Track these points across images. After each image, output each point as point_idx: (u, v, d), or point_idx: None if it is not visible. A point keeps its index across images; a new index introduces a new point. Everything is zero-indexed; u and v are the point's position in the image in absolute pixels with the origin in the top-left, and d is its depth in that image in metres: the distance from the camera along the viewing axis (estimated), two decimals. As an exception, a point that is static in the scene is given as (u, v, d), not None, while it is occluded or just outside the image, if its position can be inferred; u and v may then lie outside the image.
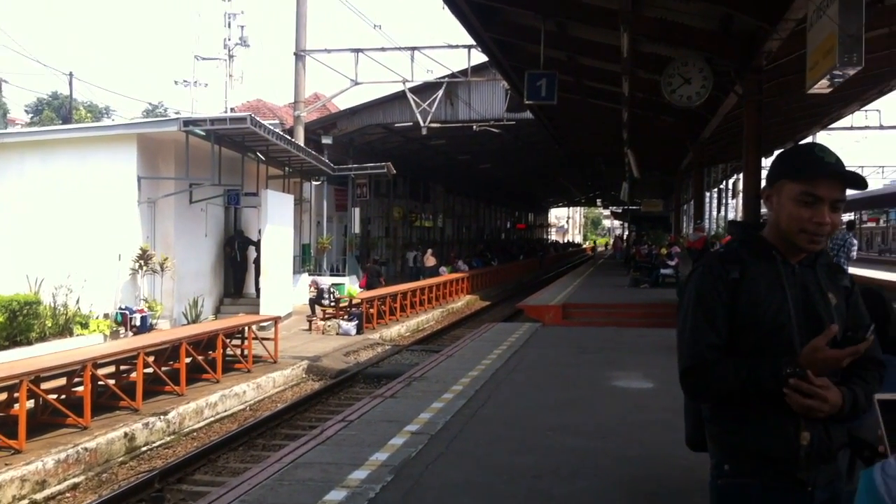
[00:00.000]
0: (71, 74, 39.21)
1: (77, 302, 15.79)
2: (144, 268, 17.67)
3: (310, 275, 24.87)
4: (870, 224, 74.96)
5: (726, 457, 2.40)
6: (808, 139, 25.49)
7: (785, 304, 2.38)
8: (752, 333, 2.38)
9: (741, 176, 22.29)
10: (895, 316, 3.44)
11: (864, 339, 2.31)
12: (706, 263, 2.50)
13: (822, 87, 8.11)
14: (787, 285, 2.40)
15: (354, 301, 20.57)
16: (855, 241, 13.75)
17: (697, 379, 2.39)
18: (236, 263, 21.37)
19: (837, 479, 2.40)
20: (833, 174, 2.34)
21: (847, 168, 2.38)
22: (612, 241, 71.96)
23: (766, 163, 15.51)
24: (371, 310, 20.98)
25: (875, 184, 60.95)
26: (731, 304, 2.39)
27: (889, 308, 3.47)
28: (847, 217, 79.67)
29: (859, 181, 2.38)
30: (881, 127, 33.47)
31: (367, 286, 25.13)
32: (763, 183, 2.67)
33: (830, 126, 24.14)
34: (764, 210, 2.73)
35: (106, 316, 16.44)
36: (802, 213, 2.35)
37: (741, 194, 31.92)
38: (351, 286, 23.29)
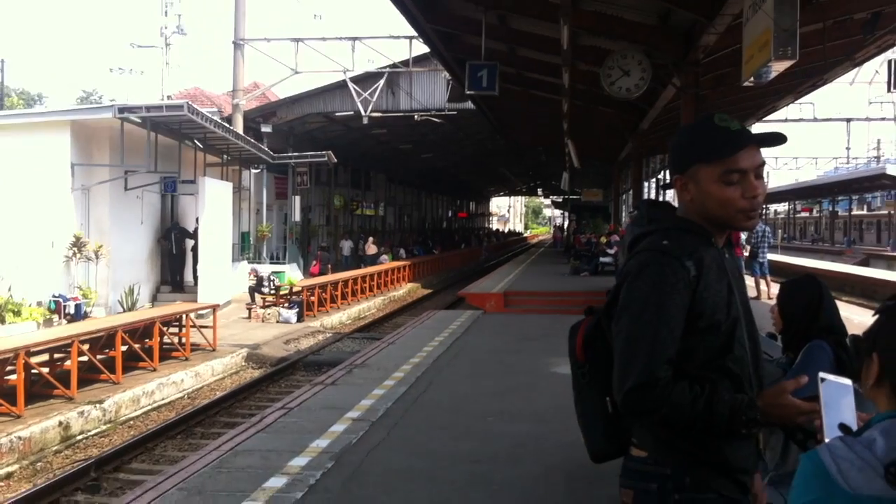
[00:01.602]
0: (2, 61, 38.20)
1: (9, 289, 15.39)
2: (78, 255, 17.30)
3: (249, 262, 24.63)
4: (803, 214, 76.96)
5: (684, 468, 2.14)
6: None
7: (732, 297, 2.19)
8: (708, 337, 2.14)
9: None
10: (827, 303, 3.52)
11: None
12: (660, 260, 2.14)
13: (756, 80, 8.32)
14: (730, 275, 2.22)
15: (295, 289, 20.45)
16: (770, 231, 14.10)
17: (646, 399, 2.06)
18: (172, 256, 20.95)
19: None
20: (749, 141, 2.17)
21: (756, 133, 2.21)
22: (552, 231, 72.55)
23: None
24: (312, 298, 20.88)
25: (809, 175, 62.76)
26: (690, 307, 2.11)
27: (823, 294, 3.54)
28: (782, 207, 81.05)
29: (778, 137, 2.20)
30: (815, 119, 34.44)
31: (320, 273, 25.05)
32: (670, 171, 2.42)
33: (765, 118, 24.73)
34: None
35: (39, 304, 16.06)
36: (731, 192, 2.16)
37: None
38: (291, 274, 23.11)
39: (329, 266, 26.91)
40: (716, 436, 2.11)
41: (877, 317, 1.60)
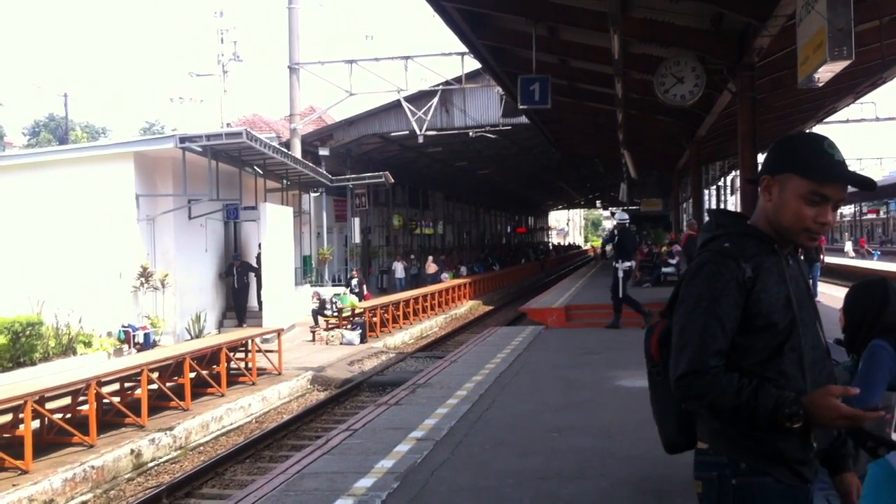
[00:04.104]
0: (66, 95, 39.43)
1: (80, 321, 15.79)
2: (146, 285, 17.69)
3: (312, 286, 24.88)
4: (870, 216, 74.93)
5: (742, 456, 2.31)
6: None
7: (790, 303, 2.32)
8: (764, 335, 2.30)
9: (738, 173, 22.32)
10: (894, 303, 3.49)
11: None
12: (716, 260, 2.33)
13: (810, 83, 8.14)
14: (788, 281, 2.35)
15: (357, 310, 20.57)
16: None
17: (696, 386, 2.27)
18: (235, 290, 21.16)
19: (819, 471, 2.42)
20: (845, 178, 2.32)
21: (854, 170, 2.36)
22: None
23: (762, 159, 15.54)
24: (374, 318, 20.99)
25: (875, 176, 61.11)
26: (744, 306, 2.29)
27: (889, 295, 3.51)
28: (848, 209, 79.32)
29: (869, 184, 2.37)
30: (877, 119, 33.53)
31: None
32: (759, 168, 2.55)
33: (825, 120, 24.17)
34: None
35: (109, 334, 16.45)
36: (807, 211, 2.30)
37: (738, 191, 31.98)
38: (352, 296, 23.29)
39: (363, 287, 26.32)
40: (765, 430, 2.24)
41: None
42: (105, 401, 10.82)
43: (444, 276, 33.94)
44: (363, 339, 19.55)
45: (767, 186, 2.39)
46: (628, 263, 14.69)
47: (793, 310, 2.31)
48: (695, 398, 2.29)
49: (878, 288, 3.57)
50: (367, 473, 6.26)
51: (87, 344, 15.49)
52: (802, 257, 2.26)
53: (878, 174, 60.41)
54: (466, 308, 30.43)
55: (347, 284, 24.49)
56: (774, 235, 2.38)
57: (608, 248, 15.04)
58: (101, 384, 10.50)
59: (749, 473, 2.30)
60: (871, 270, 28.99)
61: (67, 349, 15.03)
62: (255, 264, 21.31)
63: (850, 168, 2.39)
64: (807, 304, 2.38)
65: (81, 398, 10.28)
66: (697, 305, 2.30)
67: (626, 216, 17.08)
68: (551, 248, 77.55)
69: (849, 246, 54.00)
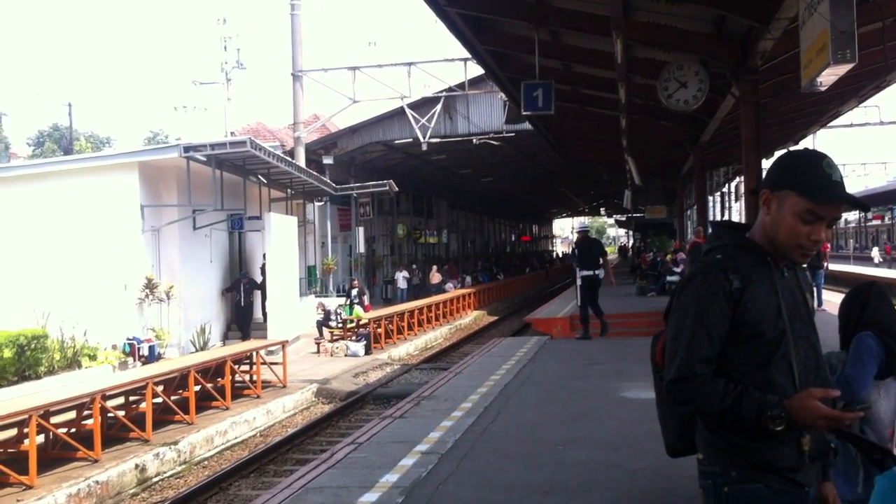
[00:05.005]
0: (70, 105, 39.44)
1: (84, 334, 15.77)
2: (150, 296, 17.65)
3: (316, 297, 24.82)
4: (875, 222, 74.65)
5: (732, 465, 2.39)
6: (809, 138, 25.42)
7: (780, 314, 2.39)
8: (752, 345, 2.38)
9: (742, 178, 22.24)
10: (875, 302, 3.83)
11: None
12: (706, 271, 2.44)
13: (816, 85, 8.07)
14: (779, 292, 2.42)
15: (362, 322, 20.51)
16: None
17: (684, 390, 2.39)
18: (241, 307, 20.97)
19: (820, 476, 2.48)
20: (841, 199, 2.37)
21: (852, 194, 2.41)
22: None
23: (767, 164, 15.46)
24: (379, 329, 20.93)
25: (879, 181, 60.94)
26: (732, 316, 2.38)
27: (872, 294, 3.86)
28: (853, 216, 79.13)
29: (864, 206, 2.49)
30: (881, 123, 33.42)
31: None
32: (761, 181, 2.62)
33: (829, 124, 24.08)
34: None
35: (114, 347, 16.42)
36: (802, 229, 2.37)
37: (742, 198, 31.87)
38: (357, 307, 23.22)
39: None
40: (753, 437, 2.34)
41: None
42: (110, 415, 10.77)
43: (449, 285, 33.85)
44: (368, 351, 19.49)
45: (766, 200, 2.46)
46: (588, 272, 14.50)
47: (783, 320, 2.39)
48: (684, 402, 2.42)
49: (863, 290, 3.91)
50: (372, 488, 6.19)
51: (92, 357, 15.46)
52: (805, 265, 2.29)
53: (882, 179, 60.29)
54: (471, 318, 30.36)
55: (347, 295, 24.31)
56: (770, 248, 2.45)
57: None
58: (105, 398, 10.44)
59: (739, 481, 2.38)
60: (871, 276, 28.88)
61: (72, 362, 15.01)
62: (260, 275, 21.24)
63: (847, 188, 2.43)
64: (801, 316, 2.46)
65: (86, 412, 10.22)
66: (687, 315, 2.42)
67: (587, 226, 17.08)
68: (556, 256, 77.40)
69: (876, 252, 54.05)
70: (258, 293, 21.00)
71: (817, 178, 2.34)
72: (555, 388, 10.36)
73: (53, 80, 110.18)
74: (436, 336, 24.92)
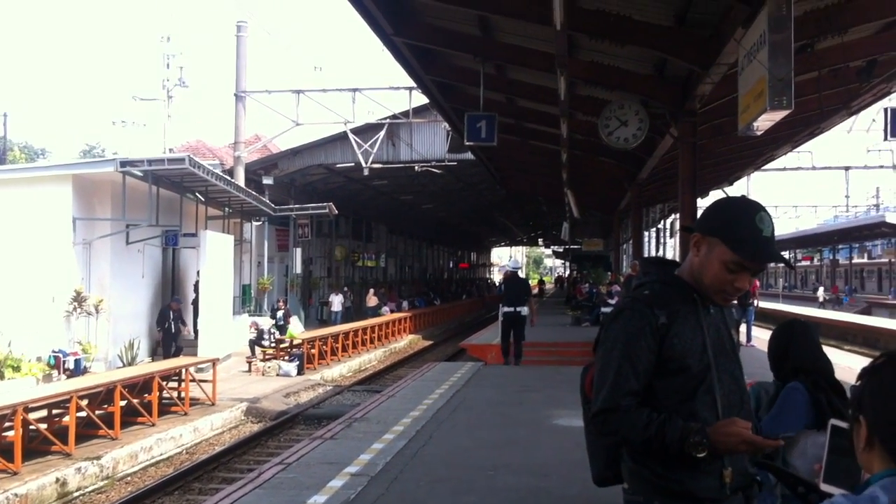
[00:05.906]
0: (5, 115, 38.56)
1: (9, 345, 15.31)
2: (79, 310, 17.25)
3: (250, 315, 24.52)
4: (804, 262, 76.90)
5: (655, 494, 2.43)
6: (743, 179, 26.14)
7: (705, 350, 2.44)
8: (678, 379, 2.43)
9: (678, 216, 22.75)
10: (798, 344, 3.66)
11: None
12: (633, 306, 2.49)
13: (753, 129, 8.32)
14: (705, 329, 2.47)
15: (295, 342, 20.32)
16: None
17: (609, 421, 2.43)
18: (171, 335, 19.97)
19: None
20: (768, 259, 2.43)
21: (779, 252, 2.46)
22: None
23: (702, 202, 15.80)
24: (312, 350, 20.76)
25: (809, 223, 62.92)
26: (658, 350, 2.42)
27: (794, 335, 3.69)
28: (784, 254, 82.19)
29: (788, 264, 2.58)
30: (813, 168, 34.57)
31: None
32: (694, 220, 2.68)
33: (764, 167, 24.82)
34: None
35: (39, 359, 15.97)
36: (726, 277, 2.43)
37: (677, 234, 32.53)
38: (292, 327, 23.00)
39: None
40: (676, 467, 2.37)
41: (860, 381, 1.59)
42: (31, 427, 10.48)
43: (385, 309, 33.79)
44: (300, 371, 19.31)
45: (697, 243, 2.51)
46: (509, 309, 14.76)
47: (708, 356, 2.43)
48: (609, 433, 2.47)
49: (785, 329, 3.77)
50: (300, 509, 6.13)
51: (16, 368, 15.02)
52: (735, 301, 2.38)
53: (812, 221, 62.22)
54: (406, 342, 30.31)
55: (273, 315, 23.96)
56: (697, 286, 2.50)
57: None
58: (27, 410, 10.16)
59: None
60: (795, 314, 29.65)
61: (-7, 373, 14.54)
62: (192, 292, 20.83)
63: (778, 233, 2.50)
64: (726, 351, 2.51)
65: (7, 424, 9.91)
66: (614, 348, 2.45)
67: (519, 264, 17.38)
68: (493, 284, 77.78)
69: (821, 292, 55.38)
70: (190, 315, 20.54)
71: (748, 233, 2.39)
72: (487, 413, 10.41)
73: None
74: (370, 358, 24.80)
